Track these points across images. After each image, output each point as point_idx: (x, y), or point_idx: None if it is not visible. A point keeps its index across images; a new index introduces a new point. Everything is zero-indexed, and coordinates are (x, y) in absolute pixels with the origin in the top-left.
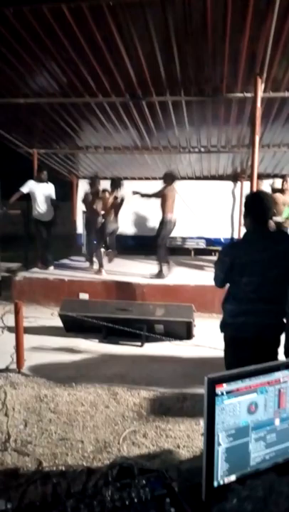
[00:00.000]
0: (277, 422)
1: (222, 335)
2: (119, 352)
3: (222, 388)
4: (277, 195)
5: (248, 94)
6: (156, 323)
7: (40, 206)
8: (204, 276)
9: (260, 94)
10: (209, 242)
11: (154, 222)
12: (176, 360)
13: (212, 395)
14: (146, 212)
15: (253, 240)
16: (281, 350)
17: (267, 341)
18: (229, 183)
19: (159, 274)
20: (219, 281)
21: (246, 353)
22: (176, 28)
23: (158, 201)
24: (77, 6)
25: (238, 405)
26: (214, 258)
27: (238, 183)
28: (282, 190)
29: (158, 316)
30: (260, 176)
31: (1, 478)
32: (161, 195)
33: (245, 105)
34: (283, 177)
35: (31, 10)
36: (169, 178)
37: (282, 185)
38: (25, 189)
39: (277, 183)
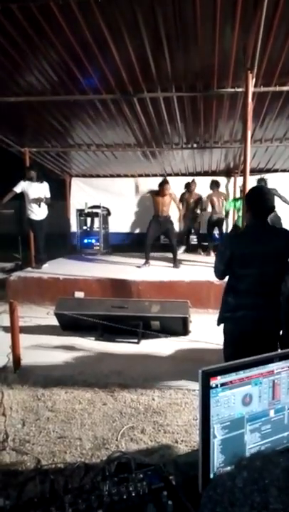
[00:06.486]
0: (271, 413)
1: (220, 329)
2: (115, 349)
3: (216, 381)
4: None
5: (239, 89)
6: (152, 320)
7: (33, 205)
8: (199, 272)
9: (251, 89)
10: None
11: None
12: (173, 356)
13: (207, 388)
14: None
15: (254, 233)
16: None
17: (266, 334)
18: (222, 179)
19: None
20: (219, 273)
21: (246, 347)
22: (166, 24)
23: None
24: (65, 3)
25: (232, 397)
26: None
27: (232, 179)
28: None
29: (154, 313)
30: (253, 171)
31: (0, 478)
32: None
33: (236, 100)
34: None
35: (19, 7)
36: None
37: None
38: (18, 189)
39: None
